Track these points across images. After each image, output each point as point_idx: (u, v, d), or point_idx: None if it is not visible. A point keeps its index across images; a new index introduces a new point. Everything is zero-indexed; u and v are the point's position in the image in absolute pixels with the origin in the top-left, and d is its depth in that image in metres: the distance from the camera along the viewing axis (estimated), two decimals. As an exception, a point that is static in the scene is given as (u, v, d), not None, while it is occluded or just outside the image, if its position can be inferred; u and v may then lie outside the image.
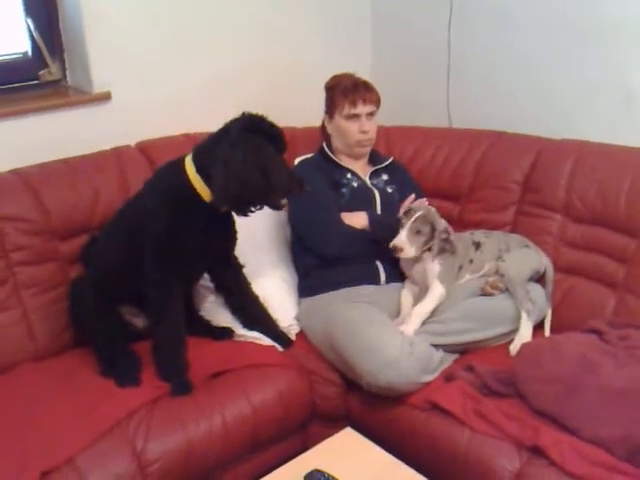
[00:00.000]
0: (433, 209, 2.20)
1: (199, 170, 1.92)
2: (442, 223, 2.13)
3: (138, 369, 1.97)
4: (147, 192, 2.03)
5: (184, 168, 1.94)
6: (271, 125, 1.93)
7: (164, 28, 2.55)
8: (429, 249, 2.13)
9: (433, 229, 2.10)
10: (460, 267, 2.19)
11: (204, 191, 1.92)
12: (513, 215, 2.45)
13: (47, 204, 2.16)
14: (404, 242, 2.08)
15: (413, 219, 2.09)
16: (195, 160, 1.94)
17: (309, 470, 1.57)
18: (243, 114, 1.94)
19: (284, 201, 2.00)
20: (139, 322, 2.15)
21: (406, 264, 2.24)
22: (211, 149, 1.91)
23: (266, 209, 2.53)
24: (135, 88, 2.52)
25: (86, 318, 2.05)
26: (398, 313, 2.20)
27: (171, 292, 1.97)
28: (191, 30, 2.63)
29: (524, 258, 2.21)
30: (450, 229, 2.16)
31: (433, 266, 2.14)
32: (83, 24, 2.36)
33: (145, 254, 1.96)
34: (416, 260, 2.17)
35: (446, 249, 2.13)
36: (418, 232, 2.09)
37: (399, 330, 2.05)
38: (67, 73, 2.54)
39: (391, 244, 2.09)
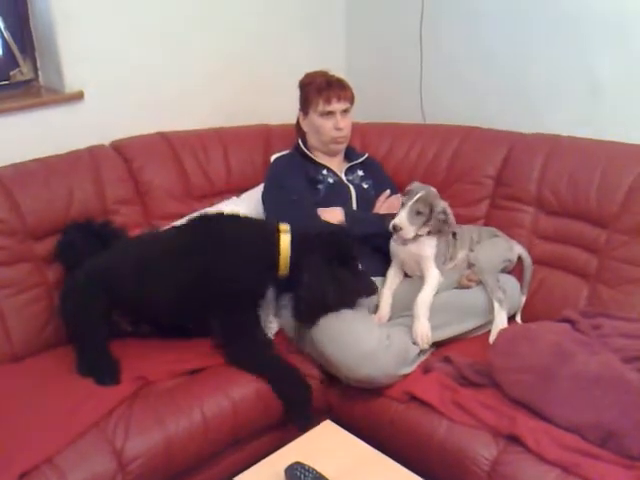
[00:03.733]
0: (433, 190, 2.17)
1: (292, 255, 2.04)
2: (440, 204, 2.12)
3: (118, 368, 1.95)
4: (227, 248, 2.04)
5: (278, 244, 2.05)
6: (347, 245, 2.08)
7: (137, 26, 2.55)
8: (429, 232, 2.14)
9: (432, 210, 2.10)
10: (444, 258, 2.21)
11: (285, 268, 2.05)
12: (486, 209, 2.49)
13: (21, 204, 2.15)
14: (404, 222, 2.08)
15: (414, 200, 2.08)
16: (293, 245, 2.05)
17: (290, 463, 1.58)
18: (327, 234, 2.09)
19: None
20: (129, 326, 2.14)
21: (397, 249, 2.23)
22: (305, 250, 2.04)
23: (242, 206, 2.56)
24: (108, 87, 2.51)
25: (78, 319, 2.03)
26: (376, 308, 2.22)
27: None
28: (165, 29, 2.62)
29: (493, 247, 2.24)
30: (449, 210, 2.14)
31: (427, 249, 2.15)
32: (54, 23, 2.35)
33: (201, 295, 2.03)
34: (411, 241, 2.17)
35: (444, 230, 2.14)
36: (418, 213, 2.09)
37: (376, 324, 2.08)
38: (39, 73, 2.53)
39: (391, 223, 2.10)
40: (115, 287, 2.04)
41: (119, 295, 2.05)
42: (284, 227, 2.09)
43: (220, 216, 2.15)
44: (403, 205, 2.11)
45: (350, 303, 2.06)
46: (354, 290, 2.08)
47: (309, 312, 2.02)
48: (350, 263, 2.08)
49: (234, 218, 2.13)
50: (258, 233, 2.10)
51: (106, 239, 2.22)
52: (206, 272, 2.01)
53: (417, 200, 2.08)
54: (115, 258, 2.11)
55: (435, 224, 2.11)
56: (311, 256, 2.02)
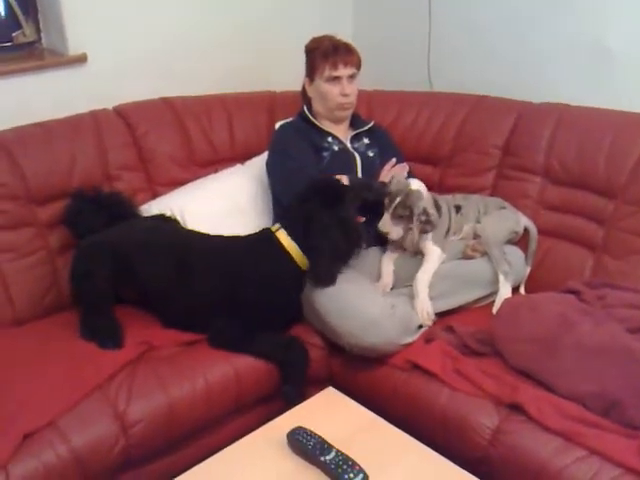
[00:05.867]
0: (415, 187, 2.15)
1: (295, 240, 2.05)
2: (420, 205, 2.10)
3: (121, 332, 1.95)
4: (245, 260, 2.06)
5: (279, 242, 2.05)
6: (338, 187, 2.09)
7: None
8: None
9: (412, 212, 2.11)
10: (447, 230, 2.20)
11: (301, 259, 2.04)
12: (493, 179, 2.46)
13: (23, 168, 2.13)
14: (389, 227, 2.12)
15: (393, 206, 2.10)
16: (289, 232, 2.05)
17: (292, 428, 1.58)
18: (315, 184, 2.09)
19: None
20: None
21: None
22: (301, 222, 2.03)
23: (246, 173, 2.54)
24: (112, 50, 2.47)
25: (84, 281, 2.01)
26: (378, 277, 2.21)
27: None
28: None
29: (500, 219, 2.23)
30: (430, 209, 2.13)
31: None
32: (57, -16, 2.31)
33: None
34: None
35: (427, 230, 2.13)
36: (400, 217, 2.11)
37: (380, 292, 2.07)
38: (42, 35, 2.49)
39: (378, 229, 2.13)
40: (129, 263, 2.03)
41: (131, 273, 2.04)
42: (274, 228, 2.10)
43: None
44: (386, 209, 2.13)
45: (357, 242, 2.07)
46: (356, 229, 2.08)
47: (327, 268, 2.01)
48: (342, 205, 2.06)
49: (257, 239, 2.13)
50: (260, 243, 2.09)
51: (114, 209, 2.21)
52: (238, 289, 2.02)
53: (396, 206, 2.10)
54: (133, 236, 2.11)
55: (417, 225, 2.11)
56: (312, 223, 2.01)
